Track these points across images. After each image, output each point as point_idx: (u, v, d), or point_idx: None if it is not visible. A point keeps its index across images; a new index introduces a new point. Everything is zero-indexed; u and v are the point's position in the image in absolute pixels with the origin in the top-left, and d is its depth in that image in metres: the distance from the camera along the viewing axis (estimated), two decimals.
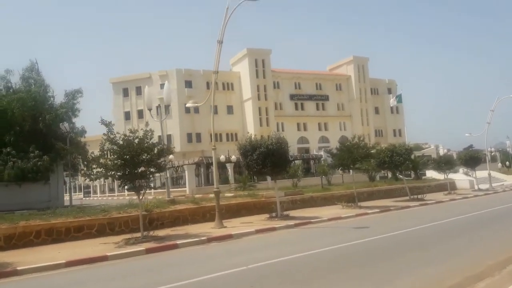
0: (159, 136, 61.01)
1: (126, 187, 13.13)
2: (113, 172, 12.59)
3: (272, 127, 63.00)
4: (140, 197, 13.07)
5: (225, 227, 15.02)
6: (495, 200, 22.50)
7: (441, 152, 52.29)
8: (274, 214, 17.41)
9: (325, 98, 68.91)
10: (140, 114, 62.70)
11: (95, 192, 55.21)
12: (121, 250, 11.14)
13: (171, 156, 53.46)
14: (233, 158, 37.03)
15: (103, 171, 12.55)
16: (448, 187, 28.86)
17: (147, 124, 13.11)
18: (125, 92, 63.74)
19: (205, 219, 17.27)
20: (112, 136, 12.55)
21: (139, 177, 12.74)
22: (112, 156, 12.64)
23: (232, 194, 23.76)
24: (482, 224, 13.35)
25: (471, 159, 30.76)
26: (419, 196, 24.30)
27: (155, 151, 12.83)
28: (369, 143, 23.00)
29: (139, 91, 62.90)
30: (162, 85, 62.11)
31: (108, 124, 12.47)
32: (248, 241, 12.70)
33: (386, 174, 39.89)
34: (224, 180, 35.64)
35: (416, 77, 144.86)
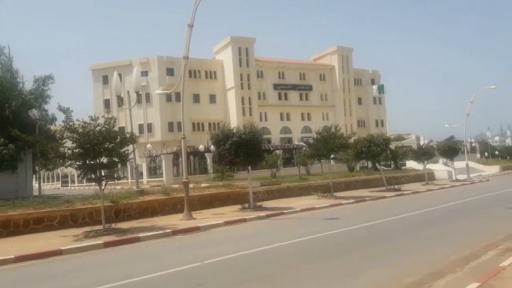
0: (140, 125, 59.32)
1: (86, 177, 12.49)
2: (72, 162, 11.96)
3: (255, 116, 62.48)
4: (102, 188, 12.48)
5: (194, 218, 14.56)
6: (470, 191, 22.54)
7: (422, 142, 52.61)
8: (247, 205, 17.03)
9: (309, 88, 68.57)
10: (120, 102, 61.42)
11: (73, 182, 53.95)
12: (78, 244, 10.59)
13: (148, 145, 52.51)
14: (212, 147, 36.47)
15: (61, 161, 11.93)
16: (426, 177, 28.89)
17: (108, 111, 12.43)
18: (105, 80, 62.23)
19: (176, 211, 16.77)
20: (71, 124, 11.91)
21: (100, 167, 12.15)
22: (72, 145, 11.99)
23: (208, 184, 23.33)
24: (452, 217, 13.16)
25: (449, 149, 30.86)
26: (396, 187, 24.23)
27: (117, 140, 12.22)
28: (347, 133, 22.66)
29: (119, 78, 61.61)
30: (143, 73, 61.18)
31: (66, 111, 11.80)
32: (215, 233, 12.27)
33: (366, 165, 39.99)
34: (202, 170, 35.18)
35: (400, 68, 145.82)
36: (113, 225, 12.68)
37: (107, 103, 62.19)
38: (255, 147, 16.10)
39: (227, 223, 13.67)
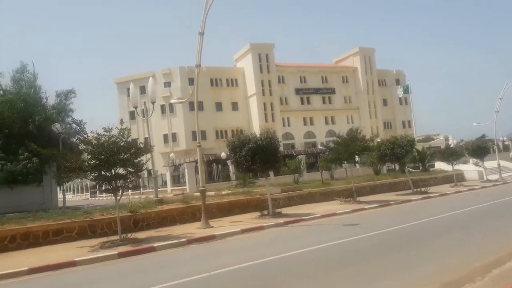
0: (165, 135, 60.16)
1: (102, 188, 12.53)
2: (88, 173, 12.05)
3: (277, 122, 62.31)
4: (118, 198, 12.50)
5: (212, 227, 14.42)
6: (502, 192, 21.47)
7: (451, 142, 50.92)
8: (266, 212, 16.74)
9: (331, 91, 67.82)
10: (143, 113, 62.46)
11: (102, 192, 54.80)
12: (93, 255, 10.60)
13: (171, 154, 53.09)
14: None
15: (77, 172, 12.04)
16: (455, 178, 27.79)
17: (121, 121, 12.49)
18: (129, 92, 63.49)
19: (195, 219, 16.65)
20: (85, 136, 12.02)
21: (116, 177, 12.18)
22: (87, 157, 12.11)
23: (229, 192, 23.19)
24: (479, 220, 12.47)
25: (479, 149, 29.63)
26: (423, 189, 23.38)
27: (132, 151, 12.24)
28: (370, 135, 22.07)
29: (143, 90, 62.58)
30: (166, 84, 62.17)
31: (79, 124, 11.94)
32: (230, 242, 12.07)
33: (393, 167, 38.95)
34: (225, 177, 35.13)
35: (425, 67, 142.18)
36: (129, 235, 12.68)
37: (132, 115, 63.40)
38: (272, 153, 15.84)
39: (244, 231, 13.44)
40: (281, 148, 51.03)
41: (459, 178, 32.89)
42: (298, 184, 28.34)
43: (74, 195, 68.61)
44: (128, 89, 63.47)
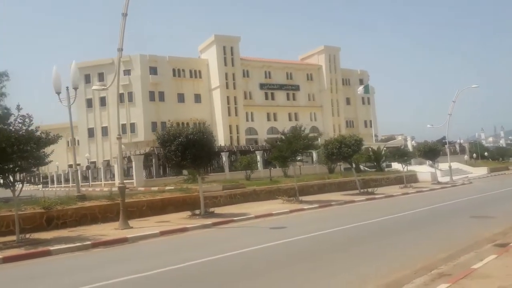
0: (123, 125, 57.53)
1: None
2: None
3: (241, 116, 61.32)
4: (17, 194, 11.16)
5: (131, 227, 13.26)
6: (446, 195, 21.32)
7: (409, 144, 51.46)
8: (197, 212, 15.73)
9: (296, 88, 67.38)
10: (103, 101, 60.15)
11: (53, 182, 52.11)
12: None
13: (122, 147, 50.94)
14: None
15: None
16: (404, 180, 27.67)
17: (18, 107, 11.03)
18: (87, 79, 60.77)
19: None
20: None
21: (12, 171, 10.84)
22: None
23: (173, 187, 22.02)
24: (404, 228, 11.83)
25: (430, 151, 29.66)
26: (370, 190, 23.01)
27: (32, 142, 10.88)
28: (318, 134, 21.46)
29: (101, 77, 60.05)
30: (126, 71, 59.75)
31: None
32: (140, 246, 10.98)
33: (351, 166, 38.68)
34: (177, 172, 33.79)
35: (390, 69, 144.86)
36: (28, 236, 11.37)
37: (89, 102, 60.87)
38: (204, 148, 14.80)
39: (163, 233, 12.38)
40: (222, 143, 49.73)
41: (412, 179, 32.99)
42: (250, 180, 27.54)
43: (27, 185, 64.98)
44: (86, 75, 61.09)
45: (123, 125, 59.14)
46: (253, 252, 9.11)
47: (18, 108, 10.88)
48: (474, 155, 54.71)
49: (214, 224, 13.77)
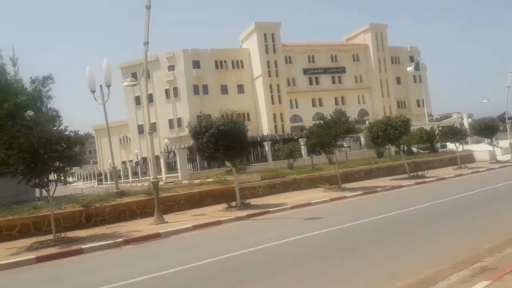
0: (170, 120, 58.78)
1: (30, 183, 11.41)
2: (13, 167, 10.91)
3: (285, 104, 60.52)
4: (51, 194, 11.39)
5: (166, 222, 13.20)
6: (505, 175, 19.48)
7: (465, 122, 48.05)
8: (234, 204, 15.43)
9: (342, 70, 65.32)
10: (150, 98, 61.61)
11: (107, 179, 54.35)
12: (12, 259, 9.55)
13: (166, 141, 52.02)
14: None
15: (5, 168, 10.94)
16: (459, 160, 25.72)
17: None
18: (134, 77, 62.34)
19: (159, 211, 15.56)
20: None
21: (46, 171, 11.05)
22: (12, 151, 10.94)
23: (211, 180, 21.93)
24: (459, 211, 10.81)
25: (487, 128, 27.34)
26: (420, 173, 21.61)
27: (62, 142, 11.03)
28: (361, 118, 20.37)
29: (148, 74, 61.73)
30: (170, 67, 60.95)
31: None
32: (172, 241, 10.83)
33: (403, 148, 36.68)
34: (220, 164, 33.84)
35: (441, 45, 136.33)
36: (64, 234, 11.62)
37: (137, 100, 62.73)
38: (237, 139, 14.40)
39: (196, 227, 12.18)
40: (266, 132, 48.76)
41: (468, 159, 30.75)
42: (293, 169, 26.95)
43: (84, 182, 68.62)
44: (133, 74, 62.82)
45: (170, 120, 60.54)
46: (280, 246, 8.61)
47: (50, 110, 11.01)
48: None
49: (249, 216, 13.38)
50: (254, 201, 16.57)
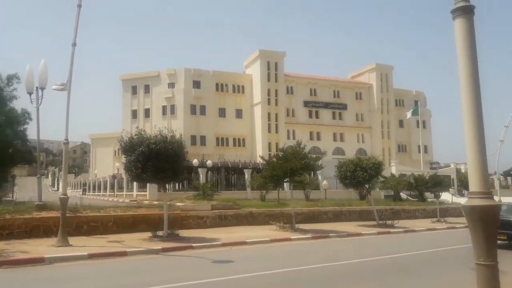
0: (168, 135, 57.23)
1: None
2: None
3: (281, 134, 59.15)
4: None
5: (70, 245, 11.66)
6: None
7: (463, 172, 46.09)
8: (161, 233, 13.82)
9: (343, 107, 64.09)
10: (147, 113, 61.06)
11: (96, 189, 52.58)
12: None
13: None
14: (209, 162, 33.73)
15: None
16: (438, 213, 23.80)
17: None
18: (134, 90, 62.32)
19: (80, 232, 14.05)
20: None
21: None
22: None
23: (181, 203, 20.31)
24: (387, 275, 9.06)
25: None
26: (389, 222, 19.80)
27: None
28: (321, 154, 18.87)
29: (147, 89, 61.35)
30: (170, 84, 60.40)
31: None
32: (51, 269, 9.26)
33: (369, 192, 34.65)
34: (194, 187, 32.28)
35: (448, 90, 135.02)
36: None
37: (134, 114, 62.01)
38: (169, 161, 12.94)
39: (92, 256, 10.59)
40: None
41: (455, 212, 28.77)
42: (264, 201, 25.30)
43: (72, 191, 67.21)
44: (133, 87, 62.51)
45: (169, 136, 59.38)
46: None
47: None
48: None
49: (165, 250, 11.75)
50: (188, 233, 15.01)
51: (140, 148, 12.81)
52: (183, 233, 15.14)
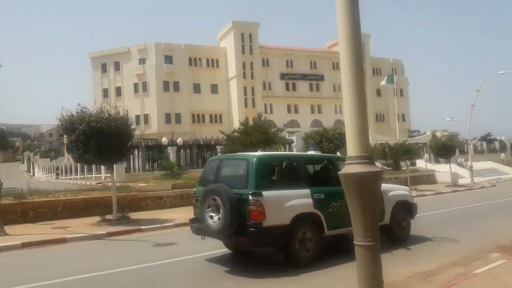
0: (137, 116, 55.72)
1: None
2: None
3: (258, 108, 58.08)
4: None
5: (6, 234, 10.79)
6: (444, 202, 17.32)
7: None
8: (110, 217, 13.03)
9: (320, 78, 63.36)
10: (118, 91, 59.19)
11: (69, 173, 51.20)
12: None
13: None
14: (179, 140, 32.80)
15: None
16: (408, 181, 23.52)
17: None
18: (104, 68, 60.17)
19: (27, 219, 13.17)
20: None
21: None
22: None
23: (146, 184, 19.52)
24: None
25: (444, 148, 25.23)
26: None
27: None
28: (282, 126, 18.15)
29: (117, 66, 59.29)
30: (141, 60, 58.39)
31: None
32: None
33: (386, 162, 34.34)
34: (164, 166, 31.45)
35: (425, 60, 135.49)
36: None
37: (105, 92, 60.07)
38: (113, 139, 12.02)
39: (26, 245, 9.77)
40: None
41: (429, 180, 28.71)
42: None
43: (47, 175, 65.49)
44: (103, 64, 60.26)
45: (137, 116, 57.81)
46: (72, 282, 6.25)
47: None
48: None
49: (109, 235, 10.99)
50: (145, 215, 14.31)
51: (81, 127, 11.82)
52: (141, 215, 14.48)
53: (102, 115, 12.10)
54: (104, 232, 11.10)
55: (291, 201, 6.79)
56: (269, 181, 7.09)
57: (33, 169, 78.39)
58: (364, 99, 3.23)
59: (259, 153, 8.20)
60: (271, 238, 6.58)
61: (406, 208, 8.83)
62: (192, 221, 7.61)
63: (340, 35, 3.37)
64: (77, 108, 12.37)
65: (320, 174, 8.14)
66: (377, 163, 22.25)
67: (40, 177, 64.76)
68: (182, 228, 11.99)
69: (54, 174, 56.63)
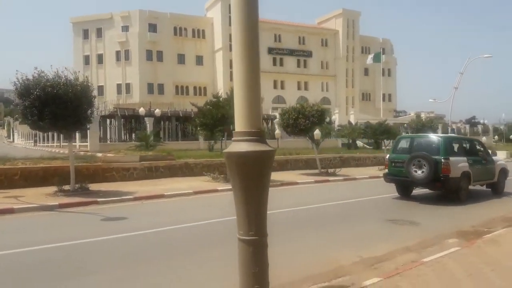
0: (118, 85, 54.50)
1: None
2: None
3: None
4: None
5: None
6: None
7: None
8: (68, 187, 12.47)
9: (308, 54, 62.38)
10: (100, 59, 57.53)
11: (46, 140, 50.15)
12: None
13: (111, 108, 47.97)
14: (157, 111, 32.02)
15: None
16: (385, 161, 23.28)
17: None
18: (85, 34, 58.20)
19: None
20: None
21: None
22: None
23: (119, 154, 18.84)
24: (290, 228, 8.14)
25: (424, 128, 24.96)
26: (331, 170, 19.17)
27: None
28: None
29: (99, 33, 57.43)
30: (124, 28, 56.57)
31: None
32: None
33: (313, 140, 34.08)
34: (139, 138, 30.72)
35: (420, 40, 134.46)
36: None
37: (87, 59, 58.40)
38: (69, 106, 11.31)
39: None
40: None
41: None
42: (213, 151, 24.32)
43: (26, 141, 64.11)
44: (85, 30, 58.25)
45: (118, 85, 56.58)
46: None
47: None
48: (496, 137, 48.70)
49: (62, 206, 10.46)
50: (108, 186, 13.80)
51: (35, 92, 11.08)
52: (103, 186, 13.93)
53: (59, 80, 11.34)
54: (57, 203, 10.56)
55: (460, 164, 11.26)
56: (451, 151, 11.47)
57: (13, 135, 76.81)
58: (258, 68, 2.66)
59: (444, 135, 13.82)
60: (452, 184, 10.99)
61: (504, 172, 13.34)
62: (386, 175, 12.66)
63: None
64: (34, 72, 11.57)
65: (469, 148, 12.66)
66: (358, 142, 22.06)
67: (19, 143, 63.46)
68: (142, 202, 11.55)
69: (33, 141, 55.46)
